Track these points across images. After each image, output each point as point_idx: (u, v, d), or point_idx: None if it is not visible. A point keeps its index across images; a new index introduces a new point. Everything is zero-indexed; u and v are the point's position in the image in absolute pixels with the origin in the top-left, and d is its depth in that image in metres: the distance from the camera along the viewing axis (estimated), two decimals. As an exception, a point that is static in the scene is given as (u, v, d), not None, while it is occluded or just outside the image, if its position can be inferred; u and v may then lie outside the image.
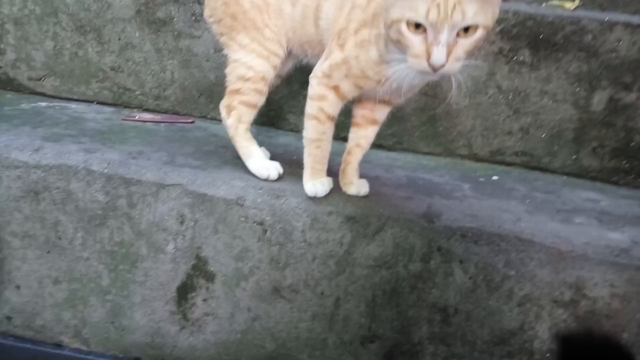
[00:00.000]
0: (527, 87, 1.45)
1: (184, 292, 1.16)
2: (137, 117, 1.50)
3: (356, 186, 1.16)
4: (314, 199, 1.11)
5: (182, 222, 1.13)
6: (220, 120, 1.55)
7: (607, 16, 1.41)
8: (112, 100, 1.61)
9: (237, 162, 1.26)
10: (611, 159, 1.48)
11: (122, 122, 1.46)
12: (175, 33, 1.54)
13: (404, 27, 0.85)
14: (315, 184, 1.12)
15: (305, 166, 1.13)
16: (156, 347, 1.19)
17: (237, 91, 1.17)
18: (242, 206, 1.10)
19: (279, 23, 1.14)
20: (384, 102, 1.11)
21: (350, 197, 1.14)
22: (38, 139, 1.22)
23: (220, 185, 1.13)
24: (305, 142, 1.11)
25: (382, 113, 1.14)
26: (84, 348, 1.20)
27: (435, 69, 0.85)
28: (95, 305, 1.18)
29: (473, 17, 0.82)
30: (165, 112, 1.59)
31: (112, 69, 1.59)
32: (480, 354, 1.12)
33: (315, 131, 1.09)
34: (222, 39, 1.20)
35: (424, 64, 0.85)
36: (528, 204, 1.24)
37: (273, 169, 1.18)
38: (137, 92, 1.60)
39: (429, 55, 0.84)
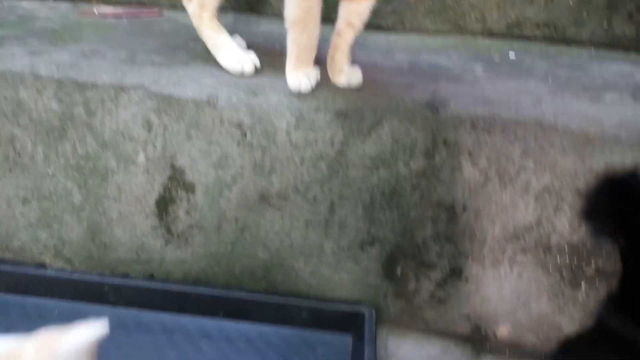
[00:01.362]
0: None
1: (164, 204, 1.05)
2: (96, 12, 1.31)
3: (346, 75, 0.99)
4: (298, 95, 0.96)
5: (149, 129, 0.99)
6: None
7: None
8: (67, -6, 1.41)
9: (209, 56, 1.09)
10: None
11: (78, 19, 1.27)
12: None
13: None
14: (300, 76, 0.96)
15: (288, 55, 0.97)
16: (143, 262, 1.11)
17: None
18: (215, 107, 0.95)
19: None
20: None
21: (341, 89, 0.98)
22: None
23: (188, 84, 0.97)
24: (287, 24, 0.94)
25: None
26: (68, 267, 1.13)
27: None
28: (70, 224, 1.09)
29: None
30: (129, 3, 1.39)
31: (62, -46, 1.37)
32: (491, 251, 1.02)
33: (298, 8, 0.91)
34: None
35: None
36: (551, 83, 1.07)
37: (247, 61, 1.01)
38: (95, -18, 1.39)
39: None
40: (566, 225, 0.96)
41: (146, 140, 1.00)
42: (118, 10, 1.33)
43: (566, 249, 0.98)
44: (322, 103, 0.95)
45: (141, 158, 1.01)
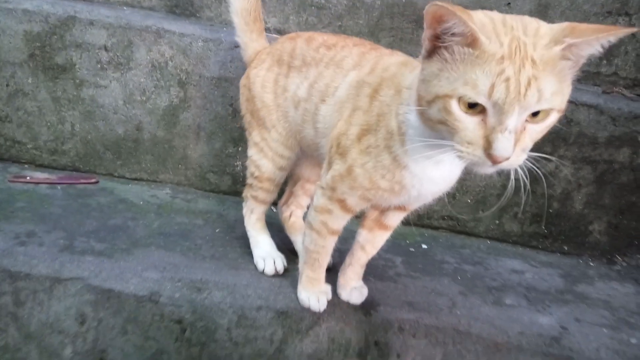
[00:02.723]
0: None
1: (83, 402, 0.98)
2: (27, 178, 1.29)
3: (348, 293, 1.03)
4: (240, 292, 0.99)
5: (82, 323, 0.95)
6: (128, 179, 1.41)
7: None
8: (-4, 153, 1.38)
9: (149, 241, 1.11)
10: (531, 224, 1.51)
11: (8, 185, 1.24)
12: (77, 81, 1.35)
13: (454, 106, 0.65)
14: (311, 297, 0.99)
15: (300, 272, 1.01)
16: None
17: (249, 185, 1.14)
18: (156, 303, 0.96)
19: (286, 126, 1.05)
20: (398, 207, 0.97)
21: (281, 289, 1.03)
22: None
23: (130, 278, 0.97)
24: (303, 248, 1.00)
25: (395, 218, 1.00)
26: None
27: (496, 161, 0.65)
28: None
29: (550, 99, 0.63)
30: (63, 169, 1.39)
31: (-2, 118, 1.36)
32: None
33: (314, 244, 0.96)
34: (246, 134, 1.14)
35: (479, 155, 0.65)
36: (460, 282, 1.21)
37: (269, 264, 1.07)
38: (29, 146, 1.38)
39: (489, 144, 0.64)
40: None
41: (76, 334, 0.95)
42: (52, 177, 1.32)
43: None
44: (263, 302, 0.99)
45: (68, 352, 0.96)
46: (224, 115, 1.39)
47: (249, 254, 1.12)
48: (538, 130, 0.67)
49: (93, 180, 1.35)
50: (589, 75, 1.68)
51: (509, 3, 1.64)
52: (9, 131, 1.37)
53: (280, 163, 1.07)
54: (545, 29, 0.65)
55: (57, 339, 0.95)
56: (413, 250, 1.35)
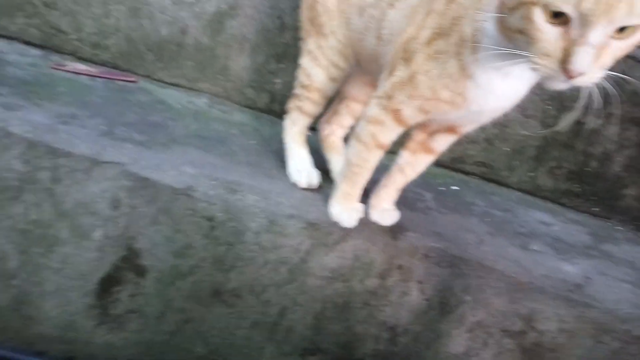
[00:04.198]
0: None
1: (108, 284, 1.01)
2: (69, 67, 1.28)
3: (379, 214, 1.03)
4: (273, 199, 1.00)
5: (116, 207, 0.97)
6: (167, 83, 1.40)
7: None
8: (40, 41, 1.36)
9: (187, 140, 1.11)
10: (566, 181, 1.48)
11: (51, 72, 1.24)
12: (127, -25, 1.32)
13: (538, 14, 0.62)
14: (342, 211, 0.99)
15: (336, 185, 1.01)
16: (67, 341, 1.04)
17: (296, 96, 1.10)
18: (191, 197, 0.97)
19: (347, 34, 1.01)
20: (448, 128, 0.94)
21: (314, 202, 1.03)
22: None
23: (168, 169, 0.97)
24: (345, 160, 0.98)
25: (443, 142, 0.97)
26: (-20, 335, 1.03)
27: (571, 76, 0.62)
28: (-2, 289, 1.00)
29: None
30: (103, 65, 1.38)
31: (45, 4, 1.34)
32: (423, 374, 1.09)
33: (358, 156, 0.95)
34: (302, 43, 1.09)
35: (554, 67, 0.62)
36: (488, 223, 1.21)
37: (305, 175, 1.06)
38: (72, 37, 1.36)
39: (566, 57, 0.61)
40: (490, 359, 1.06)
41: (109, 218, 0.97)
42: (92, 69, 1.31)
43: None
44: (296, 211, 0.99)
45: (98, 234, 0.98)
46: (271, 28, 1.35)
47: (284, 167, 1.11)
48: (622, 47, 0.63)
49: (132, 79, 1.34)
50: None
51: None
52: (53, 18, 1.35)
53: (333, 73, 1.04)
54: None
55: (89, 220, 0.97)
56: (444, 189, 1.34)
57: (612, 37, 0.61)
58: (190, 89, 1.41)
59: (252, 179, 1.02)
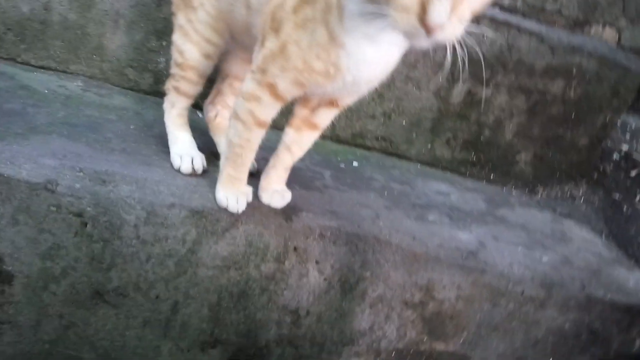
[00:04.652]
0: (394, 72, 1.39)
1: (-32, 297, 0.89)
2: None
3: (269, 196, 0.98)
4: (151, 188, 0.91)
5: (-36, 210, 0.84)
6: (34, 67, 1.25)
7: (476, 9, 1.41)
8: None
9: (51, 129, 0.99)
10: (461, 151, 1.51)
11: None
12: (-29, -58, 1.15)
13: None
14: (229, 196, 0.92)
15: (220, 169, 0.93)
16: None
17: (172, 76, 1.03)
18: (53, 192, 0.86)
19: (216, 4, 0.92)
20: (329, 102, 0.90)
21: (198, 188, 0.96)
22: None
23: (24, 163, 0.86)
24: (226, 142, 0.91)
25: (325, 117, 0.93)
26: None
27: (430, 31, 0.60)
28: None
29: None
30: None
31: None
32: (329, 354, 1.07)
33: (238, 136, 0.88)
34: (173, 19, 1.01)
35: (413, 22, 0.61)
36: (386, 197, 1.20)
37: (187, 161, 0.98)
38: None
39: (424, 10, 0.60)
40: (394, 332, 1.06)
41: (-43, 222, 0.84)
42: (-63, 54, 1.14)
43: (393, 354, 1.07)
44: (177, 199, 0.92)
45: (-54, 234, 0.85)
46: (147, 2, 1.24)
47: (166, 152, 1.03)
48: (477, 1, 0.63)
49: (-11, 62, 1.18)
50: (534, 10, 1.65)
51: None
52: None
53: (207, 49, 0.97)
54: None
55: None
56: (343, 166, 1.31)
57: None
58: (62, 71, 1.27)
59: (126, 168, 0.93)
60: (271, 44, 0.79)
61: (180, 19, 0.98)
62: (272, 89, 0.82)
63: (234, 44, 0.99)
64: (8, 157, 0.86)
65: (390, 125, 1.46)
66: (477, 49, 0.68)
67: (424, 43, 0.63)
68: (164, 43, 1.28)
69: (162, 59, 1.30)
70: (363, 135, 1.46)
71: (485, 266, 1.07)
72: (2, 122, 0.95)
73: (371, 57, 0.75)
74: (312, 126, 0.94)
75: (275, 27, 0.78)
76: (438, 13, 0.59)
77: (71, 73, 1.27)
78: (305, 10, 0.75)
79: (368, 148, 1.47)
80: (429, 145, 1.50)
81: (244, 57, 1.03)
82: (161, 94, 1.28)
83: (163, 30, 1.26)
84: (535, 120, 1.50)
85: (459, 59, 0.68)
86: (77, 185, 0.87)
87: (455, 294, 1.06)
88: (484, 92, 1.45)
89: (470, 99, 1.45)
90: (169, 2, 1.22)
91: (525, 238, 1.24)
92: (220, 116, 1.10)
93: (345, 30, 0.73)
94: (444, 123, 1.47)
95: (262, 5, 0.84)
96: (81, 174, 0.88)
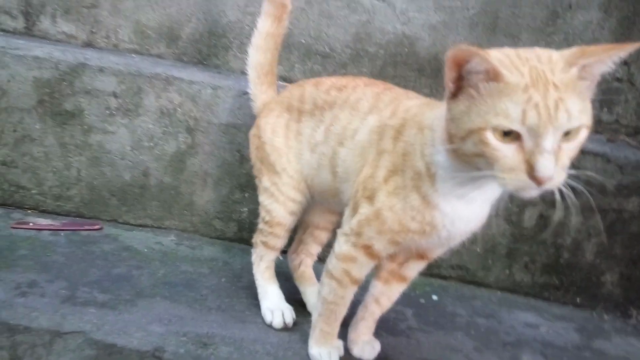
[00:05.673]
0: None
1: None
2: (30, 224, 1.26)
3: (360, 347, 1.00)
4: (247, 348, 0.95)
5: (81, 379, 0.91)
6: (133, 225, 1.38)
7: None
8: (0, 200, 1.35)
9: (154, 291, 1.08)
10: (542, 275, 1.48)
11: (11, 232, 1.21)
12: (85, 127, 1.35)
13: (490, 136, 0.67)
14: (322, 352, 0.95)
15: (313, 325, 0.98)
16: None
17: (260, 231, 1.12)
18: (160, 359, 0.91)
19: (298, 168, 1.04)
20: (419, 256, 0.95)
21: (291, 344, 0.99)
22: None
23: (134, 332, 0.93)
24: (319, 299, 0.96)
25: (414, 269, 0.98)
26: None
27: (541, 183, 0.66)
28: None
29: (579, 116, 0.66)
30: (68, 215, 1.36)
31: (3, 163, 1.35)
32: None
33: (333, 294, 0.93)
34: (256, 182, 1.13)
35: (523, 178, 0.66)
36: (474, 336, 1.17)
37: (278, 315, 1.04)
38: (34, 191, 1.36)
39: (531, 167, 0.66)
40: None
41: (74, 392, 0.90)
42: (55, 223, 1.29)
43: None
44: (272, 359, 0.95)
45: (64, 412, 0.90)
46: (231, 161, 1.38)
47: (256, 305, 1.08)
48: (572, 147, 0.69)
49: (97, 227, 1.32)
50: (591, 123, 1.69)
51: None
52: (14, 177, 1.35)
53: (291, 207, 1.05)
54: (556, 56, 0.70)
55: (54, 397, 0.90)
56: (424, 301, 1.31)
57: (562, 141, 0.68)
58: (158, 227, 1.40)
59: (224, 328, 0.98)
60: (366, 210, 0.86)
61: (265, 182, 1.08)
62: (368, 250, 0.87)
63: (313, 201, 1.07)
64: (121, 327, 0.93)
65: (465, 253, 1.46)
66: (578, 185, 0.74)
67: (533, 193, 0.69)
68: (247, 195, 1.40)
69: (245, 209, 1.41)
70: (438, 264, 1.46)
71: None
72: (113, 289, 1.04)
73: (465, 214, 0.80)
74: (401, 279, 0.97)
75: (368, 195, 0.85)
76: (546, 168, 0.65)
77: (165, 228, 1.40)
78: (396, 179, 0.82)
79: (444, 277, 1.47)
80: (507, 271, 1.48)
81: (322, 208, 1.11)
82: (245, 241, 1.38)
83: (245, 184, 1.39)
84: (616, 239, 1.46)
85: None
86: (182, 351, 0.92)
87: None
88: (557, 215, 1.45)
89: (544, 222, 1.45)
90: (249, 160, 1.36)
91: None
92: (304, 265, 1.16)
93: (439, 193, 0.79)
94: (519, 247, 1.46)
95: (349, 174, 0.92)
96: (184, 338, 0.94)
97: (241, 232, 1.41)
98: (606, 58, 0.68)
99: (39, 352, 0.90)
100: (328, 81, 1.04)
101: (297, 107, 1.05)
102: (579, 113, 0.66)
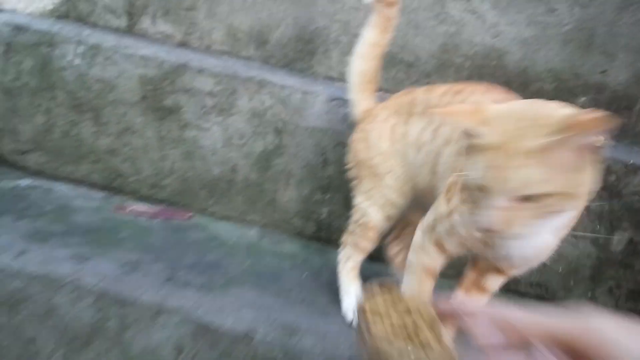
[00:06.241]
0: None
1: None
2: (129, 210, 1.36)
3: None
4: (331, 340, 0.98)
5: (179, 353, 0.97)
6: (219, 217, 1.46)
7: (632, 159, 1.41)
8: (102, 183, 1.47)
9: (243, 279, 1.14)
10: (627, 301, 1.42)
11: (113, 216, 1.31)
12: (182, 123, 1.45)
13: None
14: None
15: None
16: None
17: (351, 232, 1.14)
18: (251, 342, 0.96)
19: (404, 169, 1.07)
20: (496, 269, 0.95)
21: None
22: (21, 239, 1.06)
23: (228, 314, 0.99)
24: (409, 266, 0.99)
25: (494, 282, 0.97)
26: None
27: (481, 228, 0.72)
28: None
29: (539, 185, 0.67)
30: (160, 202, 1.46)
31: (107, 151, 1.46)
32: None
33: (409, 285, 0.96)
34: (353, 184, 1.16)
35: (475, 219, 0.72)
36: None
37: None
38: (131, 179, 1.47)
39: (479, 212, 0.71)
40: None
41: (171, 364, 0.97)
42: (152, 209, 1.39)
43: None
44: (355, 353, 0.97)
45: (161, 382, 0.97)
46: (315, 163, 1.43)
47: (338, 302, 1.11)
48: (537, 208, 0.69)
49: (187, 216, 1.41)
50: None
51: (605, 70, 1.62)
52: (115, 164, 1.46)
53: (390, 212, 1.08)
54: (551, 120, 0.68)
55: (153, 366, 0.97)
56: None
57: (524, 201, 0.68)
58: (241, 221, 1.47)
59: (309, 319, 1.02)
60: (443, 207, 0.89)
61: (364, 185, 1.11)
62: (440, 246, 0.90)
63: (412, 206, 1.09)
64: (217, 309, 0.99)
65: (546, 272, 1.43)
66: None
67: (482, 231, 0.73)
68: (327, 197, 1.44)
69: (324, 210, 1.45)
70: (517, 281, 1.44)
71: None
72: (208, 274, 1.11)
73: (523, 242, 0.80)
74: (482, 290, 0.97)
75: (449, 196, 0.89)
76: (484, 218, 0.70)
77: (248, 222, 1.46)
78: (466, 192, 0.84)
79: (522, 294, 1.44)
80: (589, 294, 1.43)
81: (423, 212, 1.12)
82: (323, 240, 1.42)
83: (327, 186, 1.43)
84: None
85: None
86: (270, 336, 0.97)
87: None
88: (646, 239, 1.39)
89: (633, 247, 1.40)
90: (333, 163, 1.40)
91: None
92: (403, 253, 1.19)
93: None
94: (605, 271, 1.41)
95: (446, 172, 0.94)
96: (273, 325, 0.99)
97: (319, 232, 1.45)
98: (591, 133, 0.65)
99: (144, 324, 0.97)
100: (442, 86, 1.06)
101: (406, 111, 1.07)
102: (540, 182, 0.67)
